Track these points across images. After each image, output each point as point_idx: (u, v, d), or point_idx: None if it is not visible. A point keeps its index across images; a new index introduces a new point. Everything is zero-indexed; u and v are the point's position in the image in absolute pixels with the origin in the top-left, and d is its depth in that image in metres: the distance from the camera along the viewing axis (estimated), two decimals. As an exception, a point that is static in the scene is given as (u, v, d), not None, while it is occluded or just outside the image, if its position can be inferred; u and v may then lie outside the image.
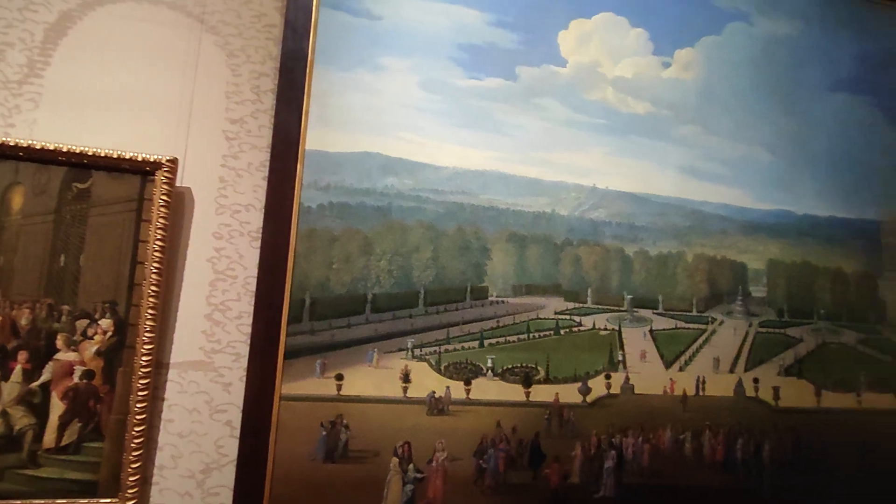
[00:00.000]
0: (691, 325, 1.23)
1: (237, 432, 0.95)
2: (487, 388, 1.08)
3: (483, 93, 1.13)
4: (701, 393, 1.20)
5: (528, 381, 1.10)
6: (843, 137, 1.43)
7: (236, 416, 0.96)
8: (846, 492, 1.26)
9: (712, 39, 1.33)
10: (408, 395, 1.03)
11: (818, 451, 1.26)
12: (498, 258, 1.11)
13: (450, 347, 1.07)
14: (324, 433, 0.97)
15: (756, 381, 1.24)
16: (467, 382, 1.06)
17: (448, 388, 1.05)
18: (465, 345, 1.08)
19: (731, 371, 1.24)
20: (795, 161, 1.36)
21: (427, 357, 1.05)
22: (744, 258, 1.28)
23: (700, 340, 1.23)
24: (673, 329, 1.21)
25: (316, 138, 1.03)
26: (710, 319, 1.24)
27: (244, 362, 0.98)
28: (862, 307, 1.38)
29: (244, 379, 0.96)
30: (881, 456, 1.31)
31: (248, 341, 0.97)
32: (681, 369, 1.20)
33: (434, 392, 1.04)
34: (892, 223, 1.43)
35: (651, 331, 1.20)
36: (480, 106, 1.13)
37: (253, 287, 0.99)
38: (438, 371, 1.06)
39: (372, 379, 1.02)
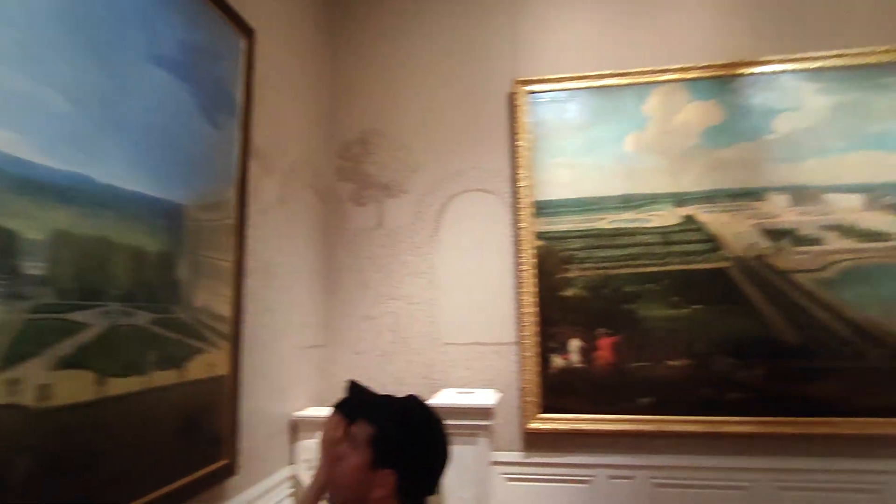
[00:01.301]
0: None
1: None
2: None
3: None
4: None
5: None
6: (160, 115, 1.40)
7: None
8: (131, 469, 1.21)
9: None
10: None
11: (99, 442, 1.15)
12: None
13: None
14: None
15: (15, 382, 0.98)
16: None
17: None
18: None
19: (-19, 374, 0.92)
20: (103, 123, 1.20)
21: None
22: (15, 224, 0.99)
23: (-76, 337, 0.84)
24: None
25: None
26: (-54, 306, 0.87)
27: None
28: (159, 287, 1.38)
29: None
30: (167, 428, 1.38)
31: None
32: None
33: None
34: (194, 207, 1.52)
35: None
36: None
37: None
38: None
39: None
